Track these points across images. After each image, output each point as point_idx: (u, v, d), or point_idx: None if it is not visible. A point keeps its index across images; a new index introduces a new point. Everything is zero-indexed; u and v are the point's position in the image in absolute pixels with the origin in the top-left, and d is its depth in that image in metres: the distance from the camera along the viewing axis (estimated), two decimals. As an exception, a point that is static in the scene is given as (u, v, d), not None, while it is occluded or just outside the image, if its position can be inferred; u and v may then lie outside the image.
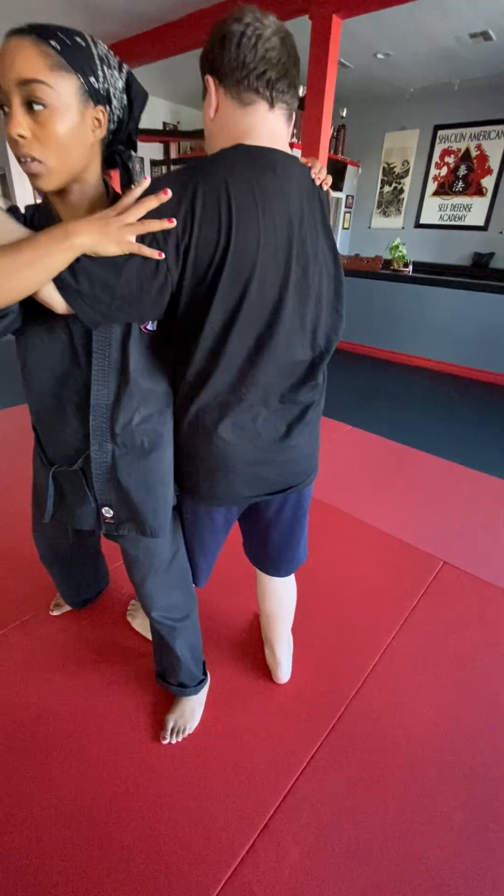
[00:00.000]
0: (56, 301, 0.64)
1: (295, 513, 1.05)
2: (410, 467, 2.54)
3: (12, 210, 0.71)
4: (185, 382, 0.81)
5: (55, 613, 1.49)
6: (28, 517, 1.18)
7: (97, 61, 0.63)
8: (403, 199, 7.47)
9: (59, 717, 1.19)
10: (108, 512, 0.92)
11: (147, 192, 0.64)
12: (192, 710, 1.19)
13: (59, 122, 0.61)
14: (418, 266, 6.77)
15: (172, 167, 7.03)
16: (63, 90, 0.60)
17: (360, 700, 1.27)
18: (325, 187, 0.83)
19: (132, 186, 0.65)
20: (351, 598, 1.63)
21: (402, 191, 7.46)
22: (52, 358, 0.79)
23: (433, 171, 7.05)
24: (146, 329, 0.79)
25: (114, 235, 0.60)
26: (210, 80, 0.71)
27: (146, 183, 0.65)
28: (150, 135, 6.37)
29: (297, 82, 0.73)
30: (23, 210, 0.74)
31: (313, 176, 0.79)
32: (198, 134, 7.24)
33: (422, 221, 7.37)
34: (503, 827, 1.01)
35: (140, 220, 0.62)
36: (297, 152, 5.87)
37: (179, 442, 0.90)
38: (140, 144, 7.03)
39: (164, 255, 0.64)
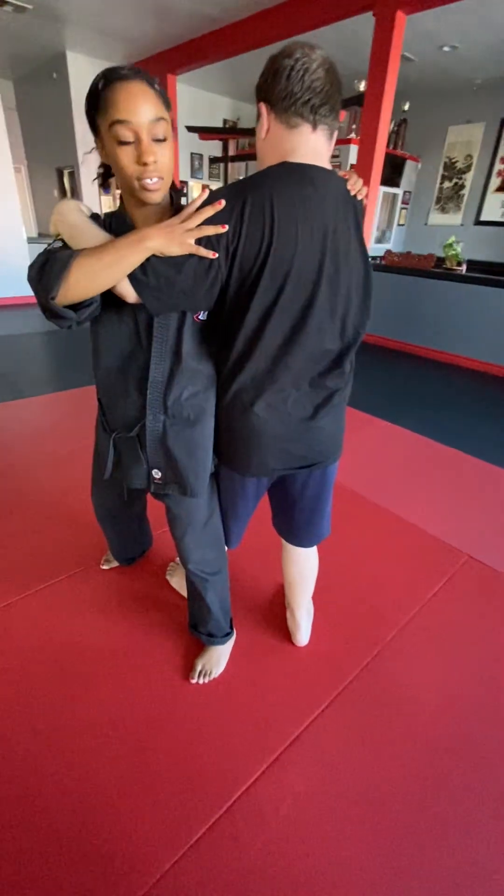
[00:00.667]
0: (128, 292, 0.79)
1: (319, 488, 1.17)
2: (446, 466, 2.57)
3: (94, 217, 0.87)
4: (227, 365, 0.95)
5: (105, 567, 1.69)
6: (88, 484, 1.37)
7: (164, 91, 0.78)
8: (464, 195, 7.25)
9: (102, 654, 1.37)
10: (157, 473, 1.07)
11: (205, 203, 0.78)
12: (218, 658, 1.34)
13: (171, 149, 0.78)
14: (477, 264, 6.57)
15: (230, 163, 7.19)
16: (169, 125, 0.77)
17: (372, 668, 1.38)
18: (360, 197, 0.94)
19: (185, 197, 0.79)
20: (373, 579, 1.72)
21: (462, 186, 7.23)
22: (120, 340, 0.95)
23: (498, 166, 6.80)
24: (198, 318, 0.93)
25: (177, 239, 0.74)
26: (263, 106, 0.84)
27: (206, 194, 0.79)
28: (210, 132, 6.55)
29: (338, 106, 0.84)
30: (102, 217, 0.90)
31: (349, 188, 0.90)
32: (255, 132, 7.34)
33: (482, 218, 7.12)
34: (494, 788, 1.09)
35: (198, 226, 0.76)
36: (354, 148, 5.85)
37: (220, 417, 1.04)
38: (200, 142, 7.26)
39: (216, 255, 0.78)
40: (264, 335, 0.88)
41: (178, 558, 1.69)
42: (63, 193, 7.67)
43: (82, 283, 0.74)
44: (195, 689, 1.29)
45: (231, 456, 1.07)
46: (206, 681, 1.30)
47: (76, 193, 7.23)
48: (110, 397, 1.05)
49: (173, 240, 0.74)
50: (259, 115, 0.85)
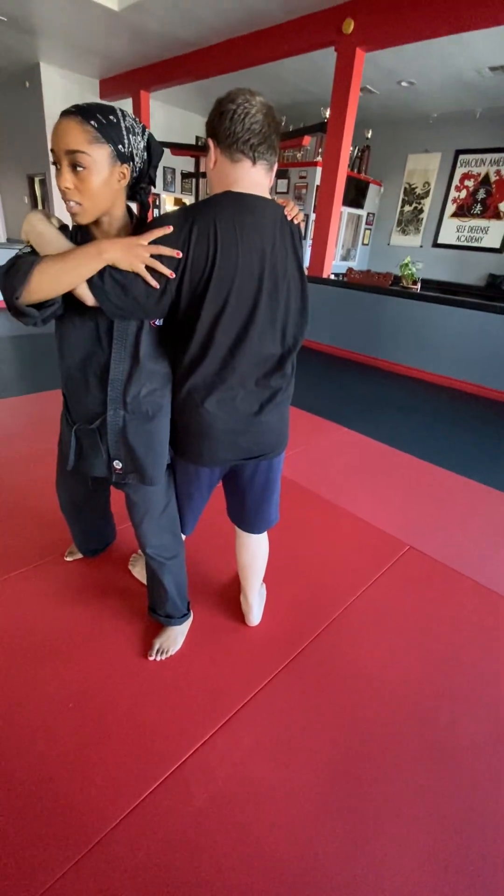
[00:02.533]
0: (86, 295, 0.91)
1: (266, 478, 1.30)
2: (394, 467, 2.77)
3: (62, 228, 0.99)
4: (181, 366, 1.08)
5: (69, 559, 1.77)
6: (54, 482, 1.46)
7: (124, 132, 0.88)
8: (423, 218, 7.71)
9: (64, 637, 1.45)
10: (117, 464, 1.19)
11: (155, 226, 0.91)
12: (175, 637, 1.45)
13: (94, 178, 0.87)
14: (434, 284, 7.00)
15: (201, 179, 7.40)
16: (97, 156, 0.85)
17: (318, 643, 1.51)
18: (297, 222, 1.09)
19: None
20: (321, 565, 1.87)
21: (421, 211, 7.70)
22: (83, 341, 1.07)
23: (453, 194, 7.29)
24: (154, 324, 1.06)
25: (132, 254, 0.87)
26: (211, 142, 0.98)
27: (161, 221, 0.92)
28: (183, 149, 6.76)
29: (276, 145, 0.99)
30: (70, 228, 1.02)
31: (287, 213, 1.05)
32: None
33: (439, 241, 7.60)
34: (422, 744, 1.24)
35: (151, 243, 0.89)
36: (318, 170, 6.16)
37: (175, 413, 1.16)
38: (173, 158, 7.45)
39: (173, 275, 0.91)
40: (213, 341, 1.01)
41: (139, 551, 1.80)
42: (34, 200, 7.68)
43: (44, 285, 0.86)
44: (153, 664, 1.39)
45: (185, 448, 1.19)
46: (163, 658, 1.41)
47: (47, 200, 7.27)
48: (73, 392, 1.16)
49: (128, 254, 0.87)
50: (208, 149, 0.99)
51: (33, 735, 1.18)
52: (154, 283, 0.91)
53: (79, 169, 0.86)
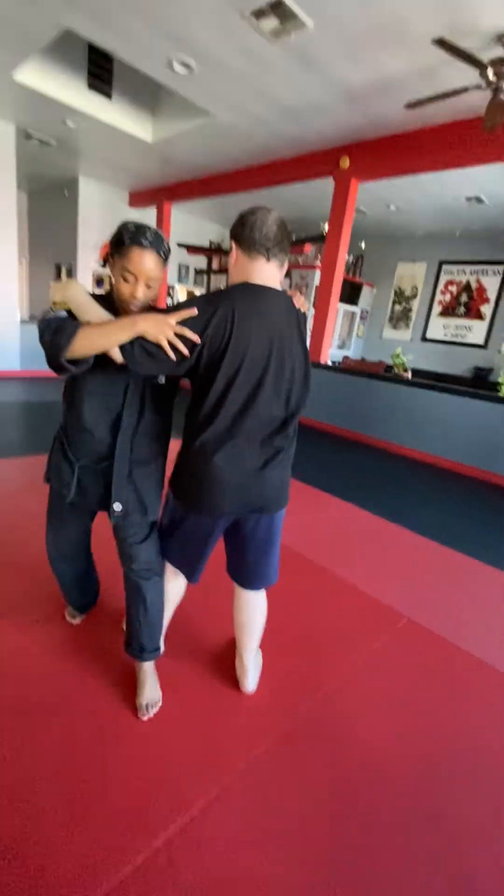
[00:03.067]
0: (117, 356, 1.09)
1: (267, 533, 1.36)
2: (391, 541, 2.81)
3: (92, 296, 1.18)
4: (195, 422, 1.21)
5: (76, 621, 1.73)
6: (39, 547, 1.51)
7: (168, 252, 1.17)
8: (412, 316, 8.44)
9: (55, 697, 1.40)
10: (118, 507, 1.29)
11: (185, 305, 1.09)
12: (152, 684, 1.43)
13: (157, 289, 1.18)
14: (424, 374, 7.49)
15: (212, 275, 8.20)
16: (161, 276, 1.16)
17: (314, 714, 1.46)
18: (303, 310, 1.28)
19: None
20: (319, 633, 1.84)
21: (410, 310, 8.44)
22: (102, 393, 1.24)
23: (438, 297, 8.05)
24: (158, 382, 1.24)
25: (160, 329, 1.05)
26: (233, 243, 1.19)
27: (188, 301, 1.13)
28: (198, 250, 7.59)
29: (287, 248, 1.20)
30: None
31: (294, 302, 1.24)
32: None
33: (428, 336, 8.25)
34: (424, 833, 1.16)
35: (178, 323, 1.07)
36: (318, 272, 6.87)
37: (186, 465, 1.26)
38: (188, 256, 8.31)
39: (188, 355, 1.08)
40: (226, 403, 1.15)
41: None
42: (59, 285, 8.46)
43: (83, 346, 1.05)
44: (142, 728, 1.33)
45: (193, 499, 1.27)
46: (154, 711, 1.36)
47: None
48: (80, 437, 1.29)
49: (156, 329, 1.05)
50: (231, 249, 1.20)
51: (9, 802, 1.11)
52: (173, 356, 1.08)
53: (150, 286, 1.16)
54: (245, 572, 1.43)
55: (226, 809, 1.15)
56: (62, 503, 1.38)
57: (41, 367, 5.92)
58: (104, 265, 1.34)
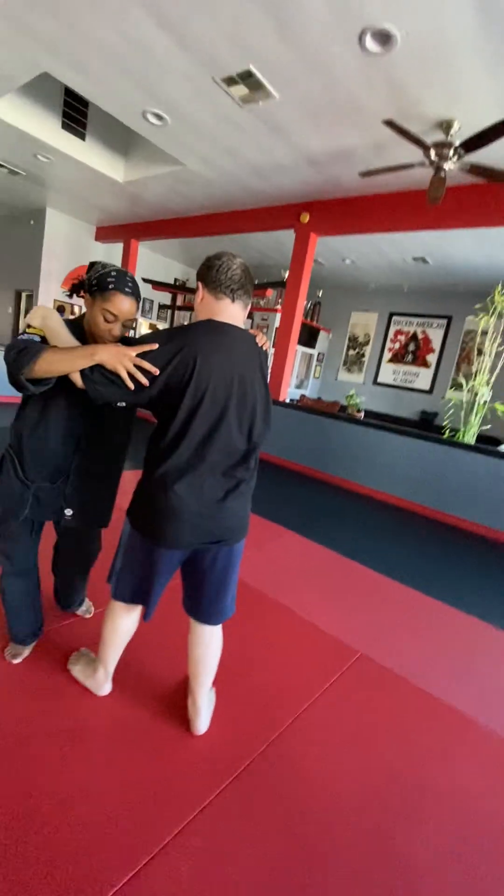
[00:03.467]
0: (77, 381, 1.13)
1: (226, 565, 1.36)
2: (344, 575, 2.85)
3: (66, 321, 1.24)
4: (157, 451, 1.22)
5: (17, 661, 1.60)
6: None
7: (140, 295, 1.30)
8: (364, 361, 8.92)
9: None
10: (69, 512, 1.44)
11: (147, 339, 1.15)
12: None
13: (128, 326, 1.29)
14: (376, 415, 7.87)
15: (176, 311, 8.36)
16: (136, 317, 1.29)
17: (266, 755, 1.42)
18: (265, 348, 1.35)
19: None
20: (273, 672, 1.81)
21: (363, 355, 8.94)
22: (66, 415, 1.31)
23: (388, 344, 8.59)
24: (118, 406, 1.33)
25: (118, 360, 1.10)
26: (200, 284, 1.26)
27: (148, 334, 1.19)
28: (164, 286, 7.76)
29: (250, 291, 1.27)
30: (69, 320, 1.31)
31: (257, 341, 1.30)
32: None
33: (379, 380, 8.72)
34: (377, 870, 1.14)
35: (138, 355, 1.12)
36: (278, 315, 7.19)
37: (145, 495, 1.25)
38: (154, 292, 8.48)
39: (147, 384, 1.13)
40: (188, 434, 1.18)
41: (82, 648, 1.69)
42: (17, 309, 8.31)
43: (43, 368, 1.11)
44: (87, 776, 1.24)
45: (152, 530, 1.25)
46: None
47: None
48: (39, 454, 1.36)
49: (114, 359, 1.10)
50: (197, 289, 1.26)
51: None
52: (131, 385, 1.12)
53: (126, 326, 1.30)
54: (202, 606, 1.40)
55: (172, 860, 1.08)
56: (12, 521, 1.41)
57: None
58: (71, 296, 1.41)
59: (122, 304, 1.24)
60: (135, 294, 1.27)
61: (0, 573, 1.54)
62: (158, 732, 1.44)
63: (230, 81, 3.20)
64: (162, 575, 1.33)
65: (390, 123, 3.06)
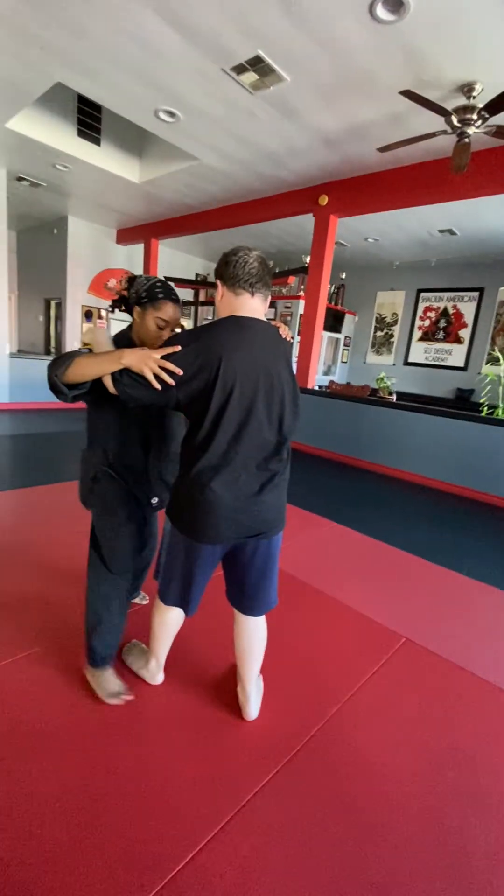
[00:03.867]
0: (109, 386, 1.19)
1: (266, 556, 1.39)
2: (383, 560, 2.84)
3: (118, 335, 1.43)
4: (190, 451, 1.26)
5: (121, 700, 1.50)
6: (74, 562, 1.53)
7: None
8: (394, 341, 8.70)
9: (55, 729, 1.38)
10: (155, 500, 1.58)
11: (171, 342, 1.19)
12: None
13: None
14: (408, 396, 7.68)
15: (199, 306, 8.41)
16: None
17: (317, 740, 1.45)
18: (288, 338, 1.35)
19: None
20: (318, 658, 1.84)
21: (392, 335, 8.71)
22: (133, 421, 1.45)
23: (418, 322, 8.34)
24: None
25: (143, 363, 1.16)
26: (219, 282, 1.27)
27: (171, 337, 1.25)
28: (185, 283, 7.81)
29: (268, 282, 1.28)
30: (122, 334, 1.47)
31: (280, 332, 1.31)
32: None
33: (410, 360, 8.49)
34: (433, 849, 1.16)
35: (162, 357, 1.16)
36: (302, 302, 7.10)
37: (184, 493, 1.29)
38: (177, 289, 8.59)
39: (180, 373, 1.16)
40: (218, 430, 1.21)
41: (133, 640, 1.77)
42: (47, 319, 8.59)
43: (76, 372, 1.20)
44: (147, 760, 1.31)
45: (191, 526, 1.30)
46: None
47: (60, 318, 8.13)
48: (127, 460, 1.48)
49: (141, 362, 1.16)
50: (217, 286, 1.28)
51: (15, 833, 1.08)
52: (157, 385, 1.17)
53: (176, 328, 1.41)
54: (245, 598, 1.44)
55: (233, 839, 1.13)
56: (121, 523, 1.52)
57: (30, 400, 5.96)
58: (112, 311, 1.53)
59: (172, 311, 1.38)
60: (178, 300, 1.41)
61: (94, 583, 1.52)
62: (211, 718, 1.50)
63: (239, 69, 3.16)
64: (203, 570, 1.38)
65: (408, 94, 2.95)
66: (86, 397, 1.32)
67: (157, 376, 1.16)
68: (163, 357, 1.17)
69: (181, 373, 1.16)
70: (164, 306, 1.36)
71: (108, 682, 1.51)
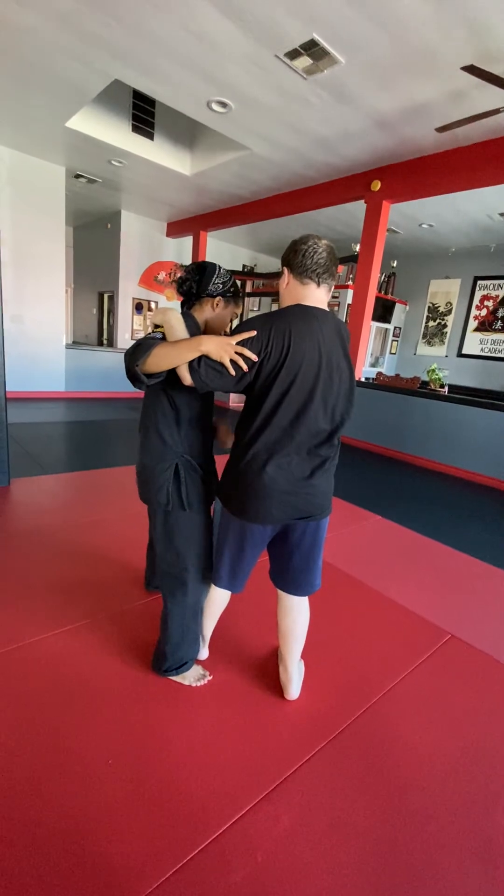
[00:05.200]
0: (185, 378, 1.19)
1: (313, 539, 1.41)
2: (431, 557, 2.77)
3: (185, 314, 1.35)
4: (247, 435, 1.29)
5: (204, 681, 1.57)
6: (126, 541, 1.60)
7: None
8: (447, 332, 8.35)
9: (110, 695, 1.48)
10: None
11: (243, 327, 1.20)
12: None
13: None
14: (461, 389, 7.36)
15: (246, 298, 8.43)
16: None
17: (358, 725, 1.47)
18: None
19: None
20: (362, 647, 1.84)
21: (445, 325, 8.36)
22: (204, 410, 1.43)
23: (474, 312, 7.95)
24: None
25: (222, 350, 1.16)
26: (286, 270, 1.29)
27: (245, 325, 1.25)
28: (234, 274, 7.87)
29: (334, 273, 1.28)
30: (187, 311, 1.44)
31: None
32: (267, 276, 8.77)
33: (464, 352, 8.12)
34: (471, 835, 1.15)
35: (237, 343, 1.17)
36: (350, 292, 6.96)
37: (237, 476, 1.34)
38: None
39: (247, 370, 1.19)
40: (277, 415, 1.24)
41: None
42: (101, 311, 8.92)
43: (155, 362, 1.17)
44: (191, 730, 1.38)
45: (243, 508, 1.34)
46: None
47: (113, 311, 8.43)
48: (200, 447, 1.46)
49: (219, 349, 1.16)
50: (282, 274, 1.30)
51: (73, 788, 1.18)
52: (233, 372, 1.18)
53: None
54: (290, 578, 1.47)
55: (276, 808, 1.17)
56: (206, 523, 1.48)
57: (84, 389, 6.24)
58: (184, 306, 1.46)
59: (239, 307, 1.49)
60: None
61: (181, 594, 1.48)
62: (254, 695, 1.55)
63: (293, 55, 3.13)
64: (253, 550, 1.42)
65: (471, 69, 2.80)
66: (158, 385, 1.29)
67: (233, 363, 1.17)
68: (238, 343, 1.18)
69: (256, 359, 1.18)
70: (240, 302, 1.47)
71: (193, 670, 1.59)
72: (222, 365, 1.17)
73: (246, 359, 1.18)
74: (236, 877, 1.02)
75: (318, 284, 1.26)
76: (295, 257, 1.25)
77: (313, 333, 1.22)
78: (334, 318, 1.30)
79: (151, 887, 0.98)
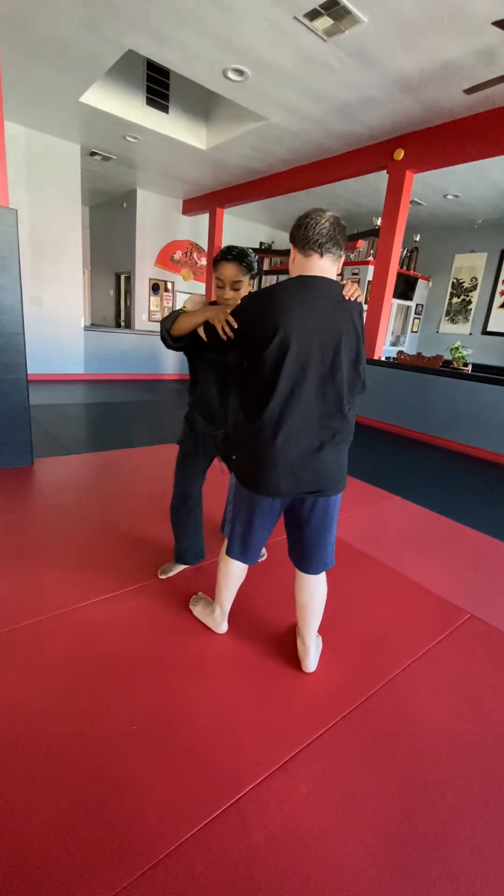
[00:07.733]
0: (201, 334, 1.36)
1: (323, 516, 1.41)
2: (451, 536, 2.74)
3: (212, 303, 1.62)
4: (252, 405, 1.29)
5: (163, 577, 2.03)
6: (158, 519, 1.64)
7: (254, 264, 1.58)
8: (471, 309, 8.07)
9: (135, 661, 1.53)
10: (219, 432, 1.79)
11: (243, 301, 1.29)
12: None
13: (242, 291, 1.59)
14: (486, 368, 7.14)
15: (264, 275, 8.30)
16: (244, 280, 1.58)
17: (375, 700, 1.48)
18: (354, 297, 1.30)
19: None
20: (380, 625, 1.85)
21: (470, 302, 8.09)
22: (216, 374, 1.71)
23: (500, 287, 7.65)
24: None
25: (215, 317, 1.35)
26: (292, 246, 1.27)
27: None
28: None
29: (341, 242, 1.24)
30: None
31: (344, 293, 1.27)
32: (285, 252, 8.58)
33: (489, 329, 7.85)
34: (490, 806, 1.15)
35: (230, 314, 1.31)
36: (371, 268, 6.76)
37: (246, 446, 1.34)
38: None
39: (231, 334, 1.28)
40: (276, 385, 1.24)
41: (199, 592, 1.89)
42: (118, 292, 8.91)
43: (178, 327, 1.50)
44: (213, 699, 1.42)
45: (252, 479, 1.34)
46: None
47: (130, 292, 8.41)
48: (210, 413, 1.77)
49: (214, 318, 1.36)
50: (291, 251, 1.28)
51: (99, 748, 1.23)
52: (222, 335, 1.30)
53: (236, 288, 1.58)
54: (303, 555, 1.48)
55: (293, 777, 1.20)
56: (187, 460, 1.88)
57: (103, 371, 6.31)
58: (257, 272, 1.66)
59: (226, 271, 1.56)
60: (237, 258, 1.55)
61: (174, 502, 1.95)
62: (272, 668, 1.57)
63: (313, 15, 2.98)
64: (262, 523, 1.44)
65: (502, 24, 2.63)
66: (187, 349, 1.64)
67: (222, 328, 1.32)
68: (230, 313, 1.32)
69: (236, 325, 1.29)
70: (220, 267, 1.57)
71: (164, 571, 2.05)
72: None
73: (231, 326, 1.31)
74: (254, 839, 1.05)
75: (322, 255, 1.23)
76: (298, 231, 1.24)
77: (308, 303, 1.21)
78: (337, 285, 1.27)
79: (172, 847, 1.02)
